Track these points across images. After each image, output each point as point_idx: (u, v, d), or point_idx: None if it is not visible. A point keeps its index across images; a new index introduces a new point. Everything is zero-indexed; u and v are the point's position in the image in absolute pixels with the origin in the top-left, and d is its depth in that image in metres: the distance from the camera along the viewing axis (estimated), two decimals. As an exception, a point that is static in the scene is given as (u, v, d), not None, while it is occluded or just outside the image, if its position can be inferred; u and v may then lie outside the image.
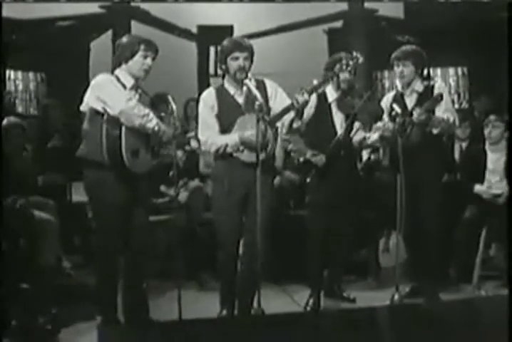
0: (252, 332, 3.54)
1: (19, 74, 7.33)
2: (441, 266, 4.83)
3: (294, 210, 5.67)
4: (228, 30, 8.22)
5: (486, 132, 5.26)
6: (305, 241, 4.72)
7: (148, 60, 3.93)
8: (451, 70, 7.72)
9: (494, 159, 5.26)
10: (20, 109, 7.35)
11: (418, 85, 4.63)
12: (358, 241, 5.20)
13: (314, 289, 4.61)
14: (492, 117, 5.26)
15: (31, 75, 7.46)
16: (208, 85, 8.29)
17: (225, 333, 3.53)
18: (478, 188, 5.21)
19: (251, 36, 7.98)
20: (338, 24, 7.40)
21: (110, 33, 7.21)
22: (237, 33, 8.21)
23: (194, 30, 8.18)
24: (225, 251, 4.10)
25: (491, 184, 5.22)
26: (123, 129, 3.74)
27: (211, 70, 8.33)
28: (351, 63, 3.96)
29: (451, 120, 4.45)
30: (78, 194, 6.02)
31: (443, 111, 4.45)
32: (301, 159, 4.48)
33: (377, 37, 6.70)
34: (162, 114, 4.00)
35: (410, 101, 4.62)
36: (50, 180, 5.66)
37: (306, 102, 3.91)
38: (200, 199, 5.68)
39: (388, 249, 5.64)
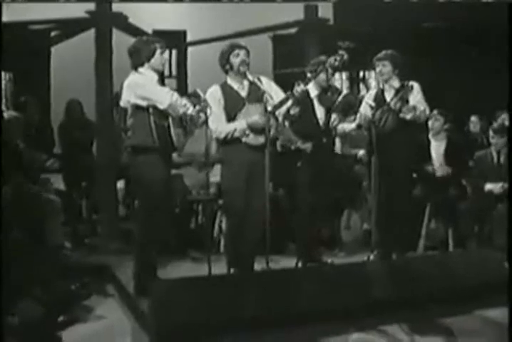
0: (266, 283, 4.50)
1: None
2: (404, 235, 5.64)
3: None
4: (181, 35, 8.86)
5: (430, 123, 6.15)
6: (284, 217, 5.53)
7: (165, 55, 4.61)
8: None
9: (436, 147, 6.18)
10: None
11: (396, 83, 5.44)
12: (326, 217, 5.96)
13: (299, 255, 5.38)
14: (435, 111, 6.10)
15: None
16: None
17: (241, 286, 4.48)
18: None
19: (204, 41, 8.63)
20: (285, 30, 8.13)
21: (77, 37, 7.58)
22: (190, 38, 8.87)
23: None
24: (234, 220, 4.82)
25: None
26: (170, 119, 4.44)
27: (166, 71, 8.94)
28: (338, 58, 4.74)
29: (422, 108, 5.28)
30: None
31: (416, 102, 5.26)
32: (293, 147, 5.23)
33: (321, 43, 7.42)
34: None
35: (388, 95, 5.42)
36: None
37: (303, 92, 4.69)
38: (180, 185, 6.37)
39: (349, 226, 6.49)
